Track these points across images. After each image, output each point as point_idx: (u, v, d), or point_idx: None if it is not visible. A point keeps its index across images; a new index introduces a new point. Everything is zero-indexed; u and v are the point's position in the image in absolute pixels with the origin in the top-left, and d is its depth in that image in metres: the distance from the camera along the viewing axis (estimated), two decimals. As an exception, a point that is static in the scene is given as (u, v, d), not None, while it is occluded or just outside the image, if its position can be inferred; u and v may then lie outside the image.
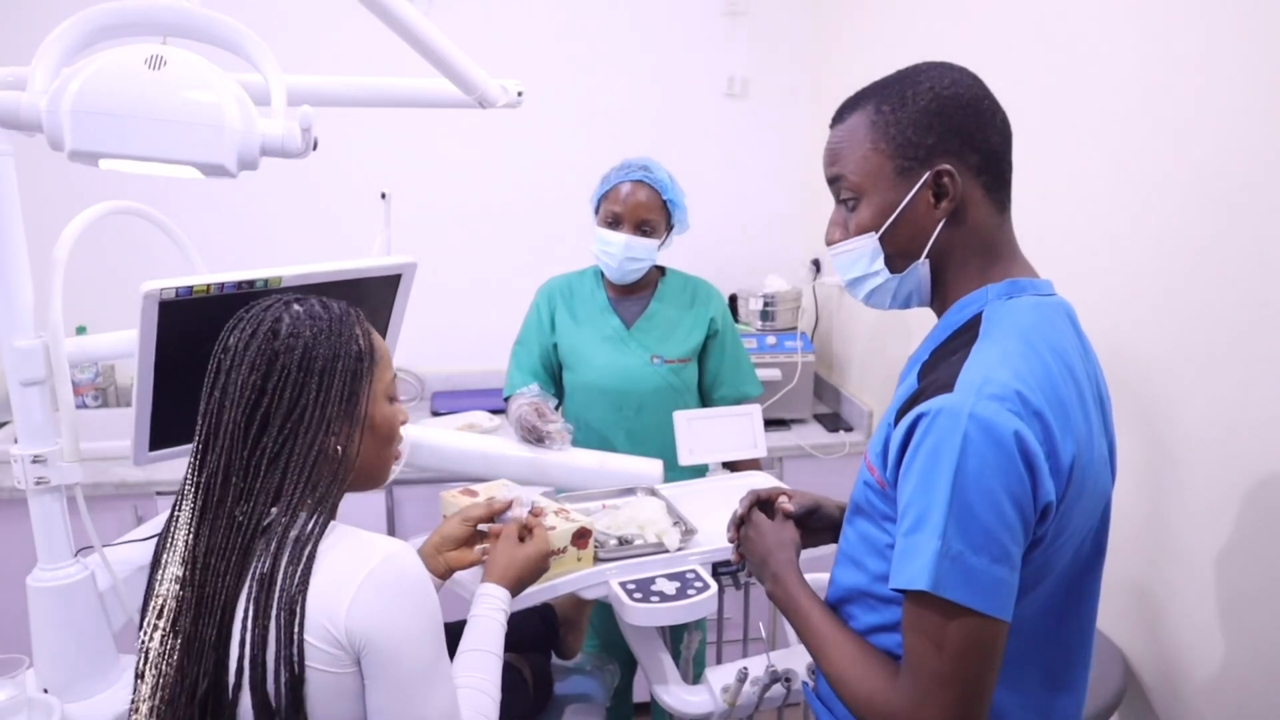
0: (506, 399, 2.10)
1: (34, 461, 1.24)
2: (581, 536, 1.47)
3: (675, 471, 1.94)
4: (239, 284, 1.18)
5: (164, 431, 1.27)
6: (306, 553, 0.96)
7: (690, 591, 1.42)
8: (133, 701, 1.02)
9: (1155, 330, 1.55)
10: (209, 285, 1.16)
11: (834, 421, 2.84)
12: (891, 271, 1.04)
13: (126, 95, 1.05)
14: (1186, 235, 1.47)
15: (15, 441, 1.26)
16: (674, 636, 1.86)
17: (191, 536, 0.99)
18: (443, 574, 1.36)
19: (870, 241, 1.03)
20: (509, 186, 2.99)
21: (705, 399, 2.21)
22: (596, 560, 1.50)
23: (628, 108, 3.00)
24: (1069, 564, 0.99)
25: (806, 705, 1.21)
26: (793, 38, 3.06)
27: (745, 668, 1.41)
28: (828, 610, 1.10)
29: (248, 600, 0.95)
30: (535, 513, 1.42)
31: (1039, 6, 1.84)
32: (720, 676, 1.43)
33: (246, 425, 0.99)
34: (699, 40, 3.01)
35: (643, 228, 2.02)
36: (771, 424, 2.74)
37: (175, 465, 1.10)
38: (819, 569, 1.34)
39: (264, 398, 0.99)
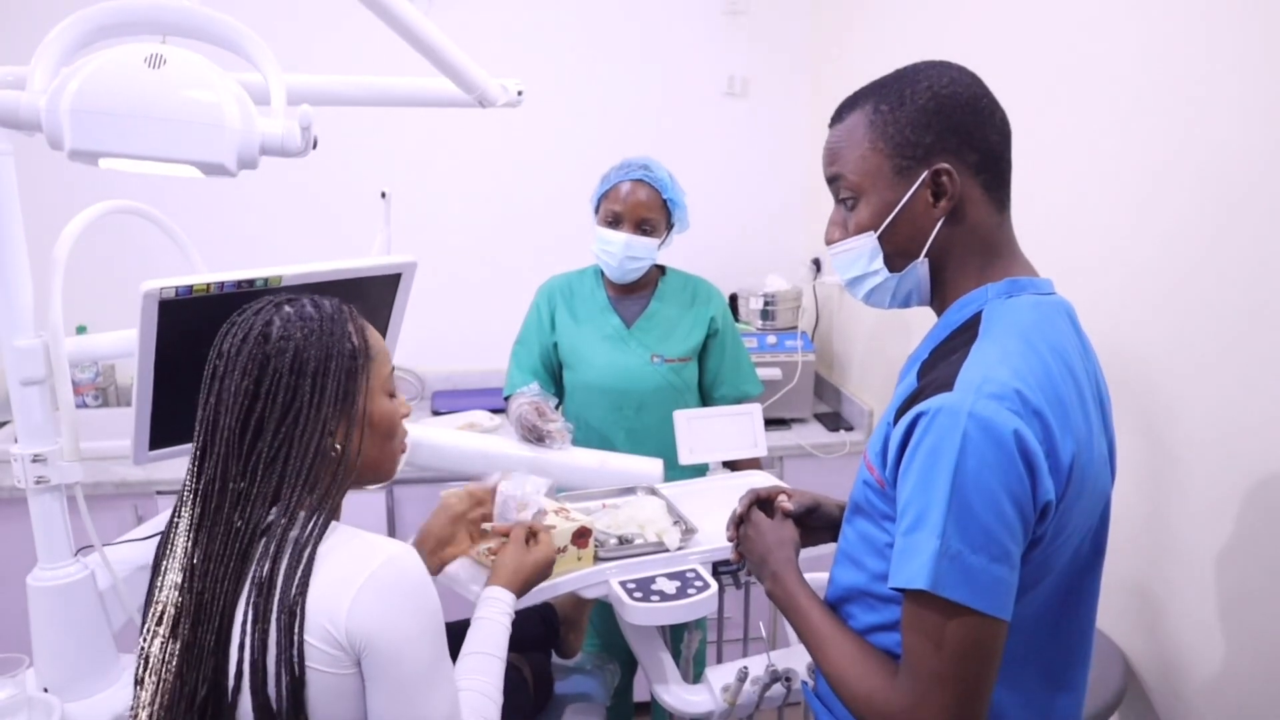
0: (507, 398, 2.11)
1: (34, 461, 1.24)
2: (582, 536, 1.47)
3: (675, 471, 1.94)
4: (239, 283, 1.18)
5: (164, 431, 1.27)
6: (306, 555, 0.96)
7: (690, 591, 1.42)
8: (133, 708, 1.02)
9: (1155, 329, 1.55)
10: (209, 284, 1.16)
11: (834, 421, 2.84)
12: (890, 270, 1.04)
13: (126, 94, 1.05)
14: (1187, 234, 1.46)
15: (15, 441, 1.26)
16: (674, 636, 1.86)
17: (190, 543, 0.99)
18: (435, 571, 1.36)
19: (869, 241, 1.03)
20: (509, 186, 2.99)
21: (705, 398, 2.20)
22: (597, 559, 1.50)
23: (628, 107, 3.00)
24: (1068, 563, 0.99)
25: (807, 705, 1.21)
26: (793, 37, 3.06)
27: (745, 667, 1.41)
28: (827, 609, 1.10)
29: (247, 604, 0.95)
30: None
31: (1039, 6, 1.84)
32: (720, 676, 1.43)
33: (241, 431, 0.99)
34: (699, 39, 3.01)
35: (643, 227, 2.01)
36: (772, 423, 2.74)
37: (175, 464, 1.10)
38: (819, 568, 1.34)
39: (258, 402, 0.99)
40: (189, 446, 1.04)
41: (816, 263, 3.07)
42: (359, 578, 0.95)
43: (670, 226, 2.09)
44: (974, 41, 2.08)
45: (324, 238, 2.85)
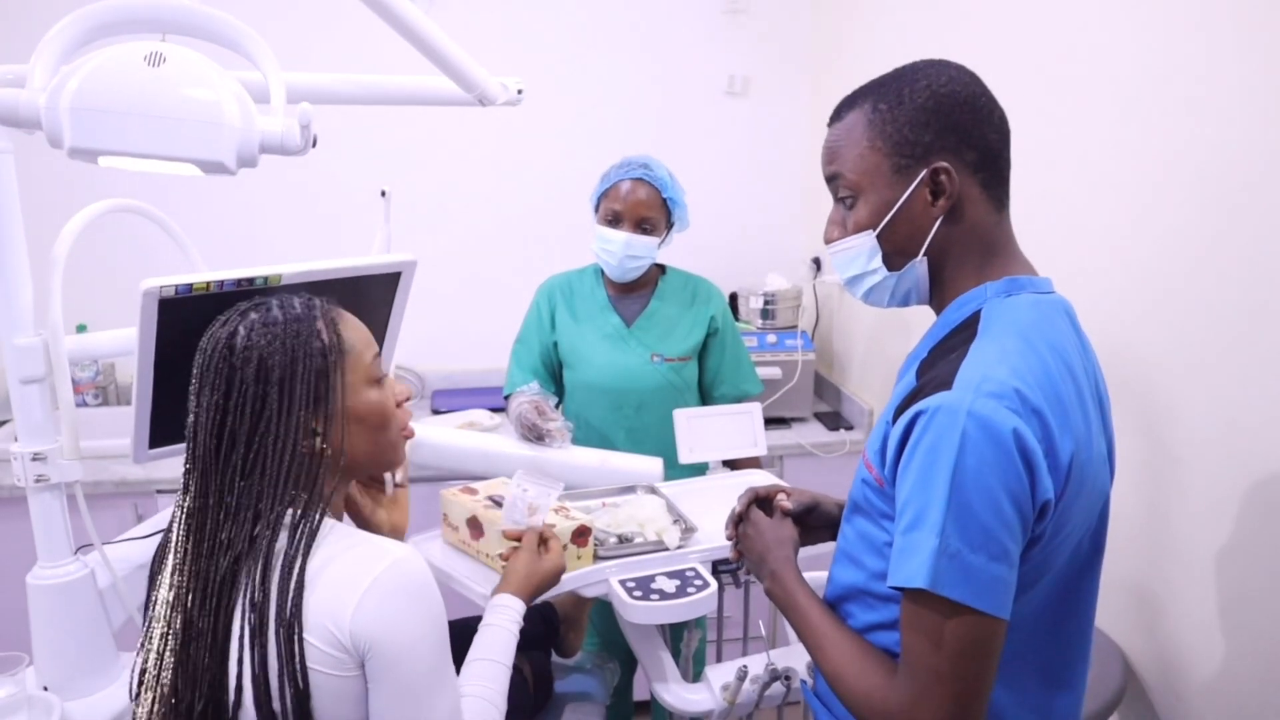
0: (507, 397, 2.11)
1: (34, 459, 1.24)
2: (581, 534, 1.47)
3: (675, 470, 1.94)
4: (238, 281, 1.18)
5: (164, 429, 1.26)
6: (297, 568, 0.95)
7: (690, 589, 1.42)
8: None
9: (1155, 329, 1.55)
10: (208, 283, 1.16)
11: (834, 420, 2.84)
12: (889, 269, 1.04)
13: (126, 92, 1.05)
14: (1186, 234, 1.46)
15: (15, 439, 1.26)
16: (674, 635, 1.86)
17: (180, 560, 0.98)
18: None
19: (868, 239, 1.03)
20: (509, 184, 2.99)
21: (705, 397, 2.20)
22: (596, 558, 1.50)
23: (628, 106, 3.00)
24: (1067, 562, 0.99)
25: (806, 704, 1.21)
26: (793, 36, 3.05)
27: (745, 666, 1.41)
28: (826, 608, 1.10)
29: (243, 621, 0.94)
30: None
31: (1039, 5, 1.84)
32: (720, 675, 1.43)
33: (216, 448, 0.98)
34: (699, 39, 3.01)
35: (643, 225, 2.01)
36: (771, 422, 2.73)
37: (175, 463, 1.10)
38: (818, 567, 1.34)
39: (228, 416, 0.98)
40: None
41: (816, 262, 3.07)
42: (364, 580, 0.95)
43: (670, 225, 2.08)
44: (974, 40, 2.08)
45: (324, 236, 2.85)
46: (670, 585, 1.44)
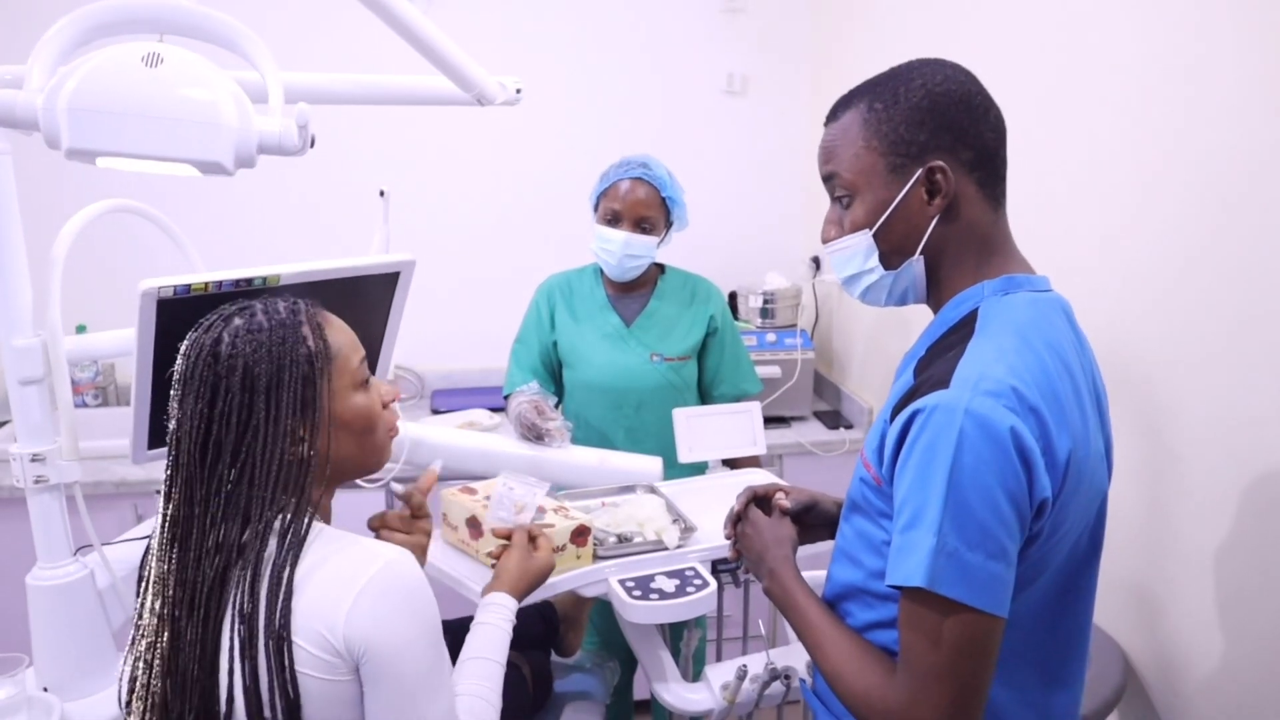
0: (506, 397, 2.11)
1: (33, 460, 1.24)
2: (581, 534, 1.47)
3: (674, 469, 1.94)
4: (236, 282, 1.18)
5: (163, 430, 1.26)
6: (285, 577, 0.94)
7: (689, 589, 1.42)
8: None
9: (1153, 326, 1.55)
10: (207, 283, 1.16)
11: (834, 419, 2.84)
12: (886, 268, 1.04)
13: (123, 93, 1.05)
14: (1184, 231, 1.46)
15: (14, 440, 1.26)
16: (674, 634, 1.86)
17: (166, 569, 0.97)
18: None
19: (864, 239, 1.03)
20: (508, 184, 2.99)
21: (705, 396, 2.20)
22: (596, 558, 1.50)
23: (627, 105, 3.00)
24: (1065, 560, 0.99)
25: (805, 703, 1.21)
26: (792, 35, 3.05)
27: (745, 665, 1.41)
28: (824, 607, 1.10)
29: (232, 633, 0.94)
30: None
31: (1037, 4, 1.84)
32: (720, 674, 1.43)
33: (202, 456, 0.97)
34: (698, 37, 3.01)
35: (642, 225, 2.01)
36: (771, 421, 2.73)
37: (174, 464, 1.10)
38: (817, 566, 1.34)
39: (214, 425, 0.97)
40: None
41: (816, 261, 3.07)
42: (357, 583, 0.94)
43: (669, 225, 2.08)
44: (972, 39, 2.08)
45: (322, 236, 2.85)
46: (670, 585, 1.44)
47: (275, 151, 1.16)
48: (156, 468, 1.04)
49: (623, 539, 1.54)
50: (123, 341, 1.36)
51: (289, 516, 0.98)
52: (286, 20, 2.74)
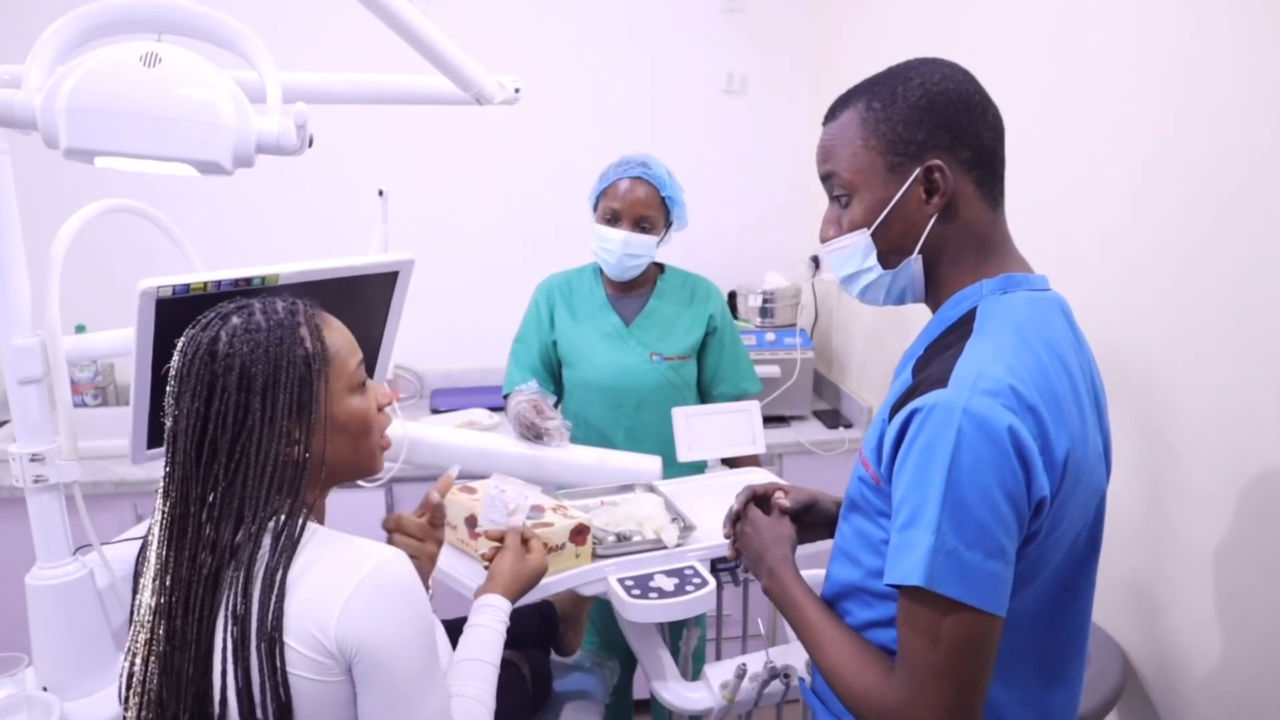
0: (506, 396, 2.11)
1: (32, 460, 1.24)
2: (580, 533, 1.47)
3: (674, 468, 1.94)
4: (235, 281, 1.18)
5: (162, 429, 1.26)
6: (278, 579, 0.94)
7: (689, 588, 1.43)
8: None
9: (1152, 325, 1.55)
10: (206, 283, 1.16)
11: (833, 418, 2.84)
12: (884, 267, 1.04)
13: (121, 93, 1.05)
14: (1182, 230, 1.46)
15: (14, 440, 1.26)
16: (673, 633, 1.86)
17: (162, 566, 0.97)
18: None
19: (863, 238, 1.03)
20: (507, 183, 2.99)
21: (704, 396, 2.21)
22: (595, 557, 1.50)
23: (626, 104, 3.00)
24: (1064, 559, 0.99)
25: (805, 702, 1.21)
26: (792, 35, 3.05)
27: (744, 664, 1.41)
28: (823, 605, 1.10)
29: (225, 634, 0.94)
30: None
31: (1036, 3, 1.84)
32: (719, 673, 1.43)
33: (197, 454, 0.97)
34: (698, 37, 3.00)
35: (641, 224, 2.01)
36: (770, 421, 2.74)
37: (173, 464, 1.10)
38: (816, 565, 1.34)
39: (209, 424, 0.97)
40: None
41: (815, 260, 3.06)
42: (349, 584, 0.94)
43: (669, 224, 2.09)
44: (971, 39, 2.08)
45: (321, 236, 2.85)
46: (669, 583, 1.44)
47: (274, 151, 1.16)
48: (156, 467, 1.04)
49: (622, 538, 1.54)
50: (122, 341, 1.36)
51: (283, 518, 0.98)
52: (285, 20, 2.74)
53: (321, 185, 2.83)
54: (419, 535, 1.25)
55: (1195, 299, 1.45)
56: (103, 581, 1.31)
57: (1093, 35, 1.67)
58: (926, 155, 0.99)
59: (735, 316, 2.87)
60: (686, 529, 1.57)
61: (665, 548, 1.53)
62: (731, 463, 2.13)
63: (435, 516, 1.26)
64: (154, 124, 1.06)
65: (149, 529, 1.02)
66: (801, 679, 1.29)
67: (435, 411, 2.83)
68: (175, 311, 1.14)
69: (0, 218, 1.20)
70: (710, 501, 1.65)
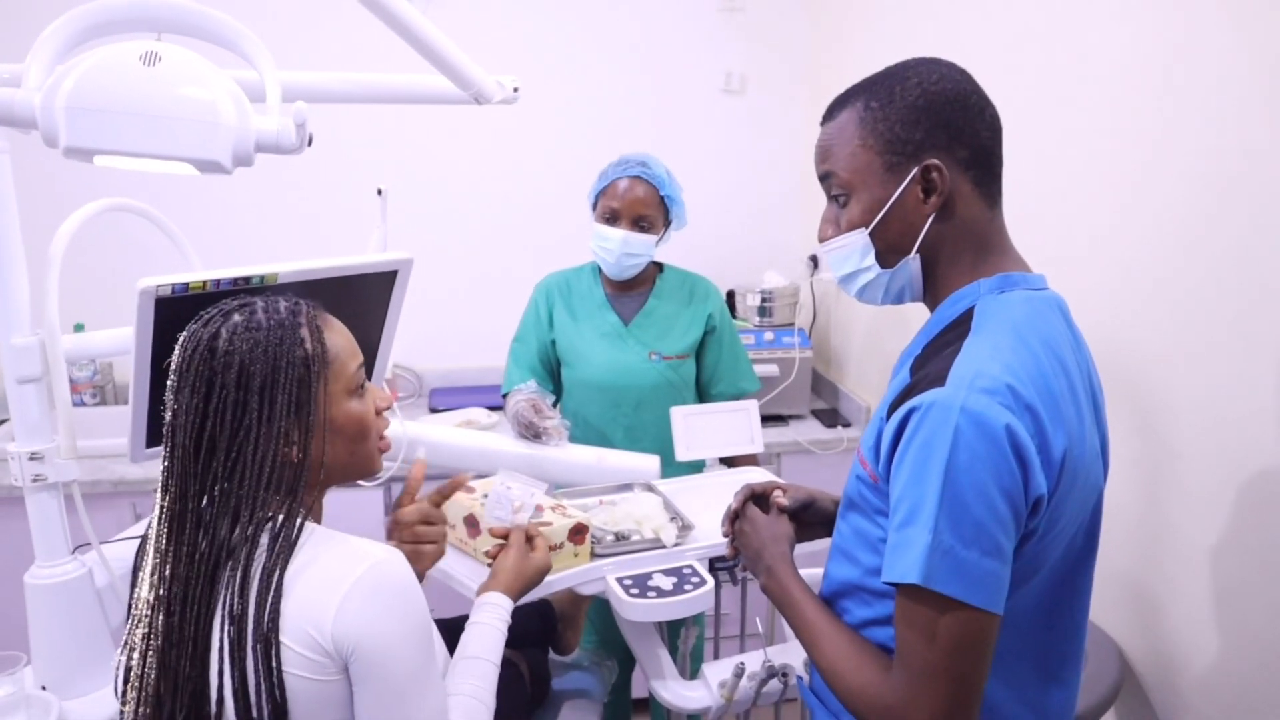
0: (504, 395, 2.11)
1: (31, 459, 1.25)
2: (578, 532, 1.47)
3: (672, 467, 1.94)
4: (234, 280, 1.18)
5: (161, 428, 1.27)
6: (275, 579, 0.94)
7: (687, 587, 1.43)
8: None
9: (1149, 324, 1.55)
10: (205, 282, 1.16)
11: (832, 417, 2.85)
12: (882, 267, 1.05)
13: (121, 91, 1.05)
14: (1178, 227, 1.47)
15: (12, 439, 1.26)
16: (671, 632, 1.86)
17: (160, 562, 0.98)
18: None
19: (861, 237, 1.04)
20: (506, 182, 2.99)
21: (703, 395, 2.21)
22: (593, 556, 1.50)
23: (625, 104, 3.00)
24: (1061, 557, 1.00)
25: (803, 700, 1.22)
26: (790, 34, 3.06)
27: (742, 663, 1.41)
28: (821, 604, 1.10)
29: (222, 633, 0.94)
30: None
31: (1033, 2, 1.84)
32: (717, 672, 1.43)
33: (195, 450, 0.97)
34: (696, 36, 3.01)
35: (640, 223, 2.02)
36: (769, 420, 2.74)
37: (171, 462, 1.10)
38: (816, 564, 1.34)
39: (207, 421, 0.97)
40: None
41: (814, 259, 3.07)
42: (345, 583, 0.94)
43: (668, 223, 2.09)
44: (969, 38, 2.08)
45: (320, 235, 2.85)
46: (667, 583, 1.44)
47: (273, 150, 1.16)
48: (154, 467, 1.04)
49: (620, 537, 1.54)
50: (120, 340, 1.37)
51: (280, 517, 0.98)
52: (284, 19, 2.74)
53: (320, 184, 2.83)
54: (427, 520, 1.27)
55: (1192, 297, 1.45)
56: (101, 580, 1.32)
57: (1089, 35, 1.67)
58: (924, 155, 0.99)
59: (734, 316, 2.87)
60: (685, 528, 1.57)
61: (664, 547, 1.53)
62: (730, 462, 2.13)
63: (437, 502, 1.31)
64: (154, 123, 1.06)
65: (149, 525, 1.03)
66: (800, 678, 1.29)
67: (434, 411, 2.84)
68: (174, 310, 1.15)
69: (0, 216, 1.20)
70: (708, 501, 1.65)
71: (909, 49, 1.08)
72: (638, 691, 2.23)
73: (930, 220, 1.01)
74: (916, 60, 1.03)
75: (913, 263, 1.04)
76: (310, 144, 1.19)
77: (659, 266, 2.19)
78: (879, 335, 2.72)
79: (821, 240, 1.09)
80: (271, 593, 0.93)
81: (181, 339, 1.01)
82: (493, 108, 1.62)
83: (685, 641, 1.68)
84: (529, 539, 1.37)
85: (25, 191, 1.26)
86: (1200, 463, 1.45)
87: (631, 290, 2.15)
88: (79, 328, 2.59)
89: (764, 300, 2.85)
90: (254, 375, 0.98)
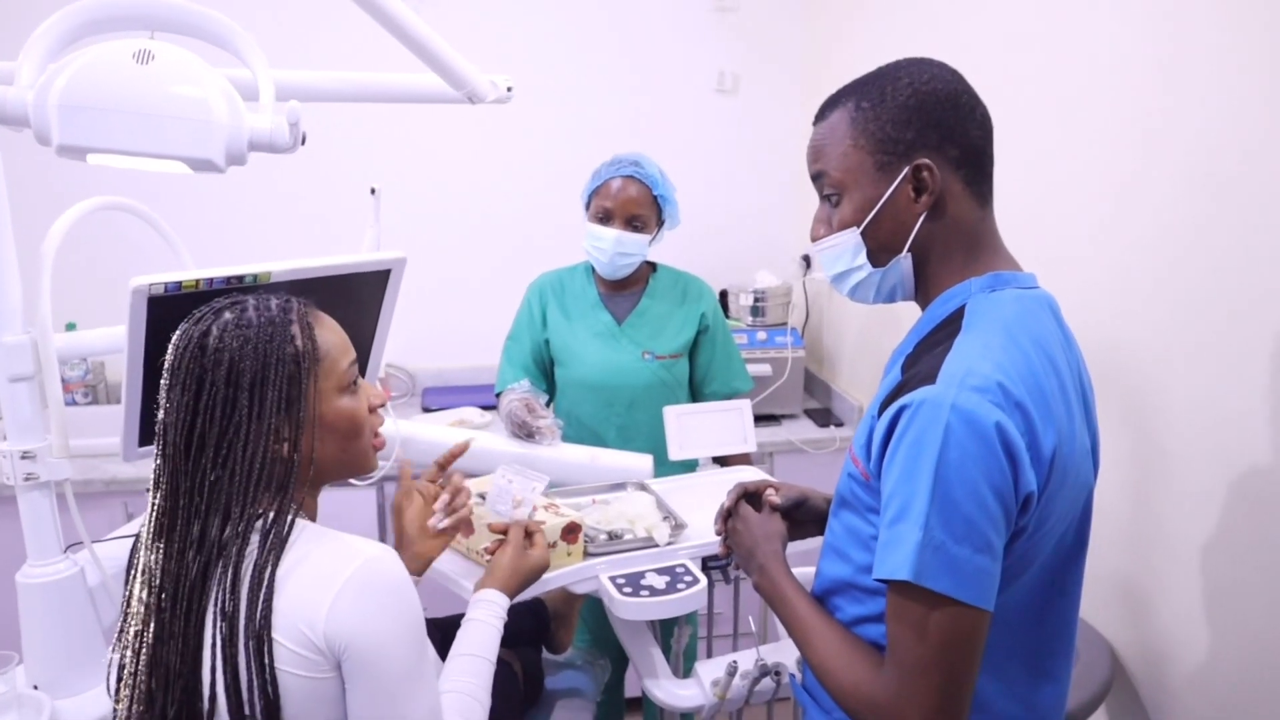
0: (498, 395, 2.11)
1: (23, 457, 1.24)
2: (571, 531, 1.47)
3: (665, 466, 1.94)
4: (227, 279, 1.18)
5: (154, 427, 1.27)
6: (267, 576, 0.94)
7: (680, 586, 1.43)
8: (114, 718, 1.01)
9: (1140, 323, 1.56)
10: (197, 280, 1.16)
11: (824, 416, 2.85)
12: (874, 266, 1.05)
13: (114, 90, 1.05)
14: (1171, 227, 1.48)
15: (4, 438, 1.26)
16: (664, 631, 1.87)
17: (152, 559, 0.98)
18: (420, 571, 1.35)
19: (852, 236, 1.04)
20: (499, 182, 2.99)
21: (696, 394, 2.21)
22: (586, 555, 1.50)
23: (618, 103, 3.01)
24: (1051, 554, 1.00)
25: (796, 699, 1.22)
26: (783, 34, 3.06)
27: (735, 661, 1.41)
28: (813, 601, 1.10)
29: (214, 629, 0.94)
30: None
31: (1027, 2, 1.85)
32: (710, 670, 1.43)
33: (186, 447, 0.97)
34: (689, 36, 3.01)
35: (633, 223, 2.02)
36: (762, 419, 2.74)
37: (164, 461, 1.10)
38: (809, 563, 1.34)
39: (197, 418, 0.97)
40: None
41: (806, 259, 3.08)
42: (338, 580, 0.94)
43: (661, 223, 2.09)
44: (962, 37, 2.09)
45: (313, 234, 2.85)
46: (660, 581, 1.44)
47: (266, 149, 1.16)
48: (146, 466, 1.04)
49: (613, 536, 1.54)
50: (113, 339, 1.36)
51: (271, 515, 0.98)
52: (278, 18, 2.73)
53: (313, 183, 2.83)
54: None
55: (1183, 297, 1.46)
56: (93, 579, 1.31)
57: (1083, 35, 1.68)
58: (915, 154, 0.99)
59: (726, 315, 2.87)
60: (678, 527, 1.58)
61: (656, 546, 1.53)
62: (723, 461, 2.13)
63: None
64: (147, 121, 1.06)
65: (142, 524, 1.03)
66: (792, 676, 1.30)
67: (427, 410, 2.83)
68: (167, 309, 1.15)
69: (-9, 215, 1.20)
70: (701, 500, 1.65)
71: (901, 49, 1.09)
72: (631, 690, 2.23)
73: (921, 219, 1.01)
74: (908, 60, 1.03)
75: (904, 262, 1.04)
76: (304, 143, 1.19)
77: (652, 266, 2.19)
78: (871, 335, 2.73)
79: (814, 239, 1.10)
80: (263, 590, 0.93)
81: (174, 338, 1.01)
82: (486, 107, 1.62)
83: (678, 640, 1.68)
84: (528, 535, 1.37)
85: (17, 190, 1.25)
86: (1191, 462, 1.46)
87: (625, 290, 2.15)
88: (70, 327, 2.59)
89: (757, 300, 2.86)
90: (244, 372, 0.98)
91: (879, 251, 1.04)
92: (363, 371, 1.47)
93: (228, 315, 1.01)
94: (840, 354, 2.98)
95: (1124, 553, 1.62)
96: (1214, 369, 1.41)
